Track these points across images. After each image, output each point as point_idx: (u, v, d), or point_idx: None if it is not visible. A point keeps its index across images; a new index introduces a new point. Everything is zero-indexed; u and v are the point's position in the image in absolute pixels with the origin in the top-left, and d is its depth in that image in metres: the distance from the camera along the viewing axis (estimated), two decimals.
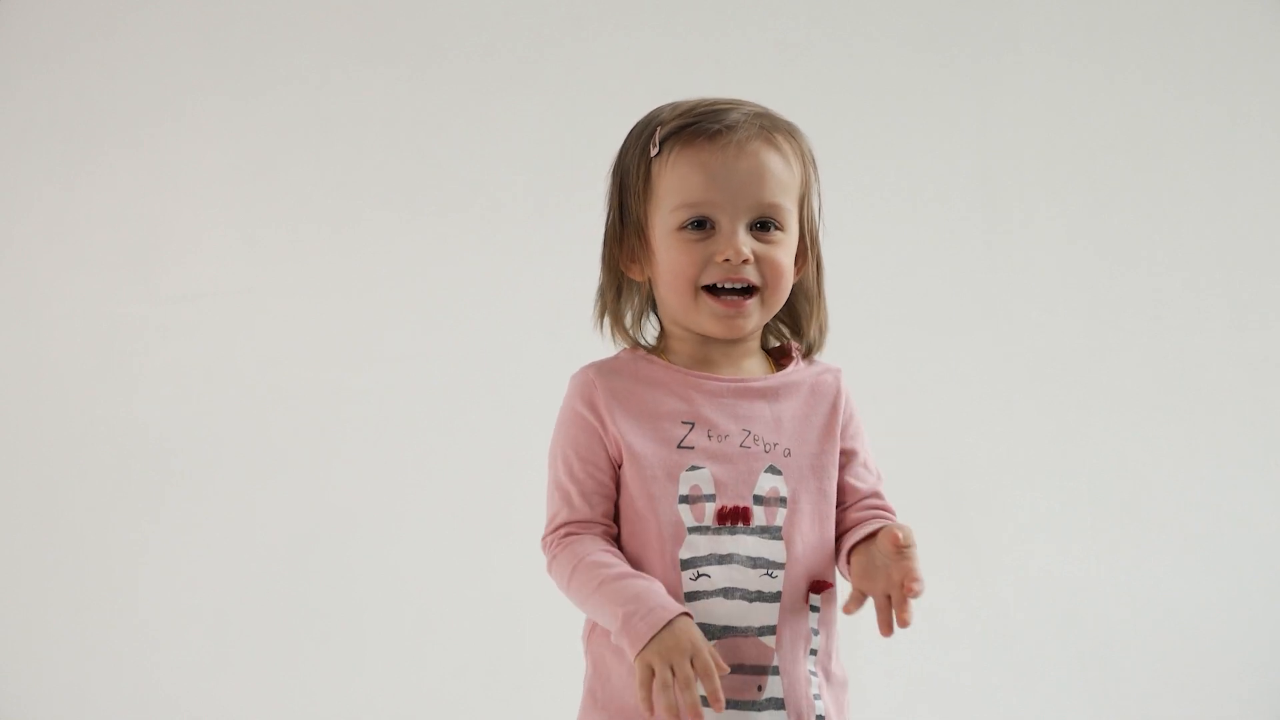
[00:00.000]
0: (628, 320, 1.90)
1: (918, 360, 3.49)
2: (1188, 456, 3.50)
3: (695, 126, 1.81)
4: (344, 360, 3.44)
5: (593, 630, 1.85)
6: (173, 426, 3.41)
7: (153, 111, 3.46)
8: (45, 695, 3.33)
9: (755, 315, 1.83)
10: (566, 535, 1.81)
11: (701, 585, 1.77)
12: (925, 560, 3.44)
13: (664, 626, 1.68)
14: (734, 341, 1.86)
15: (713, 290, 1.82)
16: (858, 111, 3.53)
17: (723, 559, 1.78)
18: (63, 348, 3.42)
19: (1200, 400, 3.51)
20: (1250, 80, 3.57)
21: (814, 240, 1.89)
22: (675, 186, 1.81)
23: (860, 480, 1.88)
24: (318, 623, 3.37)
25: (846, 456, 1.88)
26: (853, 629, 3.36)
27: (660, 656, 1.67)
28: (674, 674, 1.67)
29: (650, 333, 1.92)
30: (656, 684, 1.67)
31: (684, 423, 1.81)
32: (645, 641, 1.68)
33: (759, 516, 1.80)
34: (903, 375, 3.49)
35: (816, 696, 1.80)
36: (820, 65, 3.55)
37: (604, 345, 1.92)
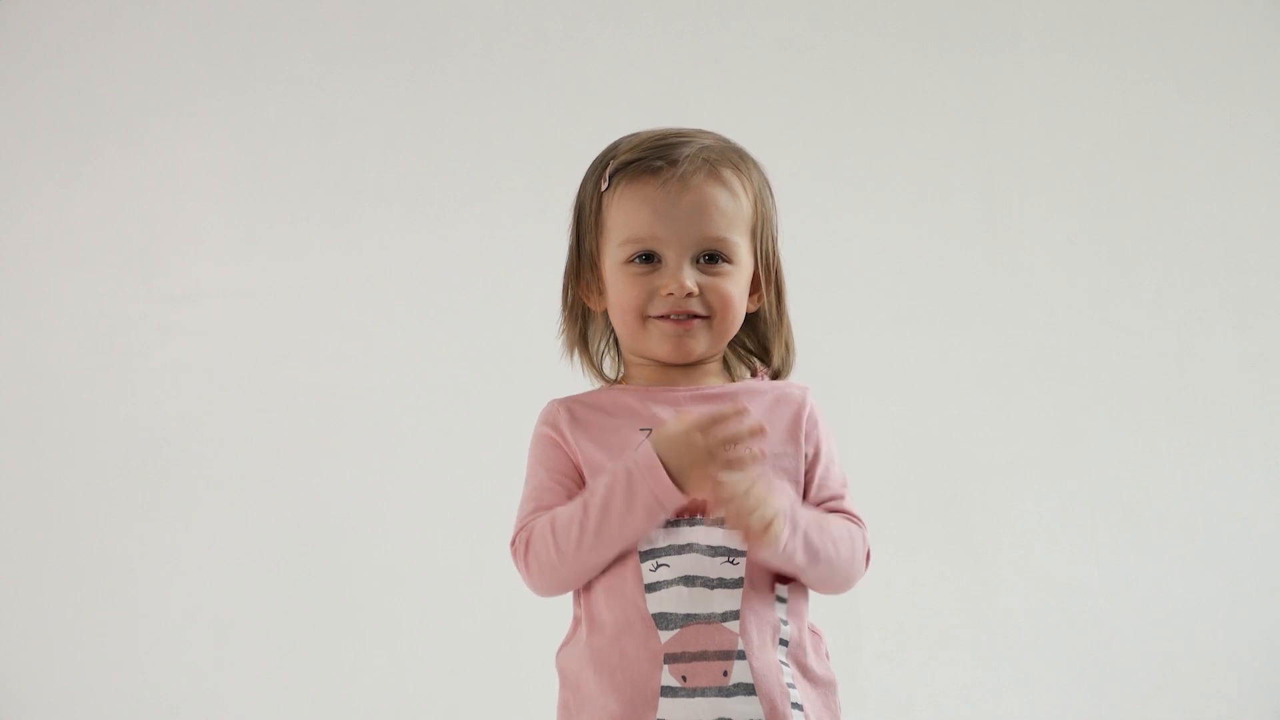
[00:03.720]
0: (593, 349, 1.95)
1: (918, 360, 3.49)
2: (1188, 456, 3.49)
3: (641, 162, 1.86)
4: (343, 360, 3.44)
5: (564, 645, 1.87)
6: (172, 426, 3.41)
7: (153, 111, 3.46)
8: (45, 695, 3.33)
9: (703, 338, 1.86)
10: (529, 527, 1.84)
11: (661, 575, 1.78)
12: (925, 560, 3.45)
13: (652, 449, 1.74)
14: (694, 365, 1.90)
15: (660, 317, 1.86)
16: (858, 110, 3.53)
17: (681, 549, 1.79)
18: (62, 348, 3.42)
19: (1200, 400, 3.51)
20: (1250, 80, 3.57)
21: (771, 270, 1.93)
22: (622, 221, 1.86)
23: (822, 486, 1.89)
24: (317, 623, 3.37)
25: (811, 463, 1.89)
26: (852, 629, 3.37)
27: (678, 444, 1.74)
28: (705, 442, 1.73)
29: (614, 363, 1.97)
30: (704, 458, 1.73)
31: (641, 429, 1.84)
32: (659, 460, 1.74)
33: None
34: (903, 375, 3.48)
35: (791, 685, 1.79)
36: (820, 64, 3.55)
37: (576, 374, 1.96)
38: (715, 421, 1.74)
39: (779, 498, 1.76)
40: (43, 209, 3.45)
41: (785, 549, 1.77)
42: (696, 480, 1.74)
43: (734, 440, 1.74)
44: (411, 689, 3.34)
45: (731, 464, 1.73)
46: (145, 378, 3.43)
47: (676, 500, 1.75)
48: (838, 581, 1.85)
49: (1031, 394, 3.50)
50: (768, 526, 1.73)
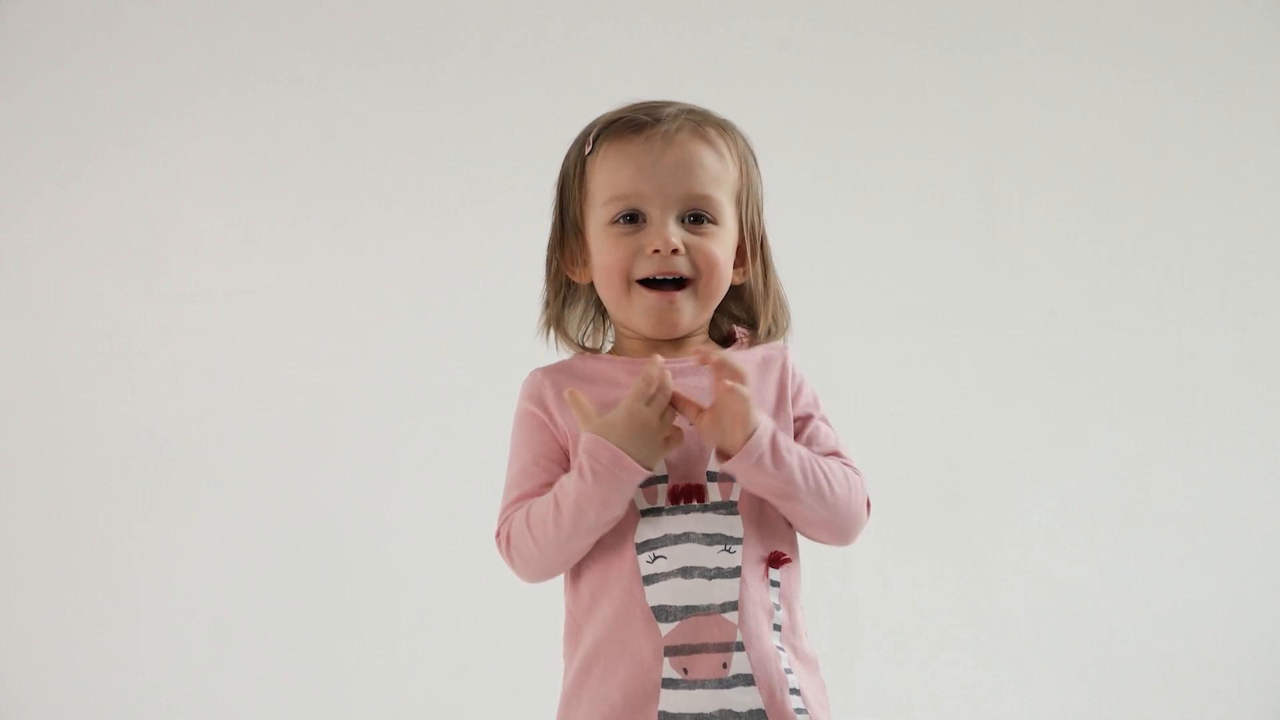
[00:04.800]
0: (572, 326, 1.91)
1: (918, 360, 3.49)
2: (1188, 456, 3.49)
3: (624, 121, 1.85)
4: (343, 359, 3.44)
5: (565, 638, 1.85)
6: (172, 426, 3.41)
7: (153, 111, 3.47)
8: (45, 695, 3.33)
9: (688, 309, 1.83)
10: (508, 521, 1.83)
11: (659, 567, 1.77)
12: (925, 560, 3.45)
13: (606, 438, 1.73)
14: (682, 338, 1.87)
15: (646, 283, 1.82)
16: (858, 110, 3.53)
17: (678, 538, 1.77)
18: (62, 348, 3.43)
19: (1200, 400, 3.51)
20: (1250, 80, 3.57)
21: (756, 241, 1.90)
22: (606, 181, 1.84)
23: (816, 442, 1.86)
24: (317, 623, 3.38)
25: (801, 423, 1.87)
26: (852, 629, 3.37)
27: (627, 426, 1.73)
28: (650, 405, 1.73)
29: (598, 337, 1.93)
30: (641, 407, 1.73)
31: None
32: (612, 445, 1.72)
33: (713, 493, 1.79)
34: (903, 375, 3.49)
35: (788, 671, 1.78)
36: (820, 64, 3.55)
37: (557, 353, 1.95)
38: (647, 383, 1.72)
39: (759, 414, 1.75)
40: (43, 209, 3.45)
41: (778, 469, 1.74)
42: (658, 449, 1.74)
43: (668, 392, 1.73)
44: (411, 689, 3.34)
45: (681, 407, 1.74)
46: (145, 378, 3.43)
47: (645, 475, 1.74)
48: (840, 522, 1.82)
49: (1031, 394, 3.50)
50: (747, 433, 1.72)
